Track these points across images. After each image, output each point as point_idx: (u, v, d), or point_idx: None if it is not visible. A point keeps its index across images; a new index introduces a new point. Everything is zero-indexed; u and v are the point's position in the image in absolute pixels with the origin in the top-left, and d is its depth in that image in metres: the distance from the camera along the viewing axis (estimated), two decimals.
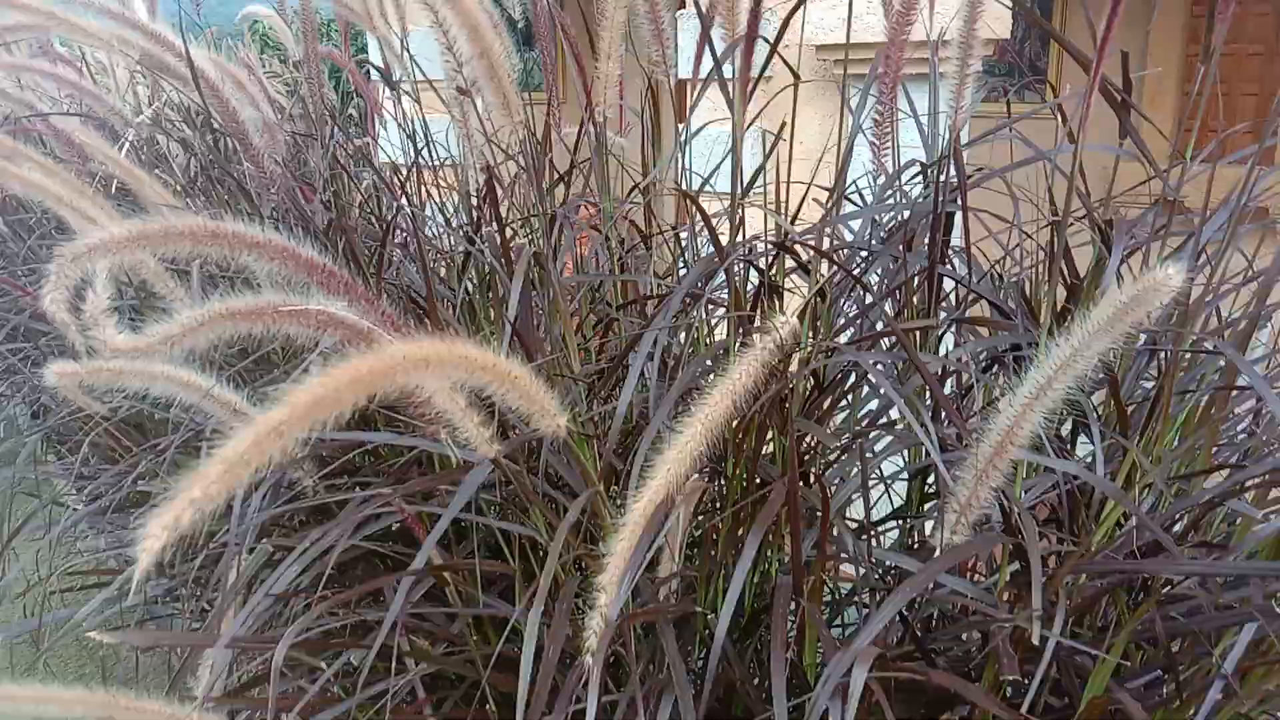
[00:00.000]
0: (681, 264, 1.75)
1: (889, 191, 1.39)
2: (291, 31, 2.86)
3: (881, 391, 1.27)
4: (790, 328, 1.00)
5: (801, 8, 1.11)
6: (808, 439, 1.31)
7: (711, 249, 1.63)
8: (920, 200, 1.33)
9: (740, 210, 1.31)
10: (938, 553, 0.97)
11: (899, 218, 1.36)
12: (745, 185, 1.17)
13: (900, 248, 1.27)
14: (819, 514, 1.17)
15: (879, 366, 1.30)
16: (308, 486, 1.31)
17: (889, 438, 1.30)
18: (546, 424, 0.87)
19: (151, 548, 0.54)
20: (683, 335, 1.59)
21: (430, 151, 2.04)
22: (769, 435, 1.16)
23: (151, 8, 2.32)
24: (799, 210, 1.38)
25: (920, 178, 1.50)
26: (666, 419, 1.05)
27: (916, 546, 1.41)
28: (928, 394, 1.34)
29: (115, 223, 1.53)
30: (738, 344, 1.15)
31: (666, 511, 1.00)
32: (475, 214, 1.70)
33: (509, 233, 1.61)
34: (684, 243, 1.73)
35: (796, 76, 1.23)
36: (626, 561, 0.90)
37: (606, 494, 1.26)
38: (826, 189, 1.66)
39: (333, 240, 1.67)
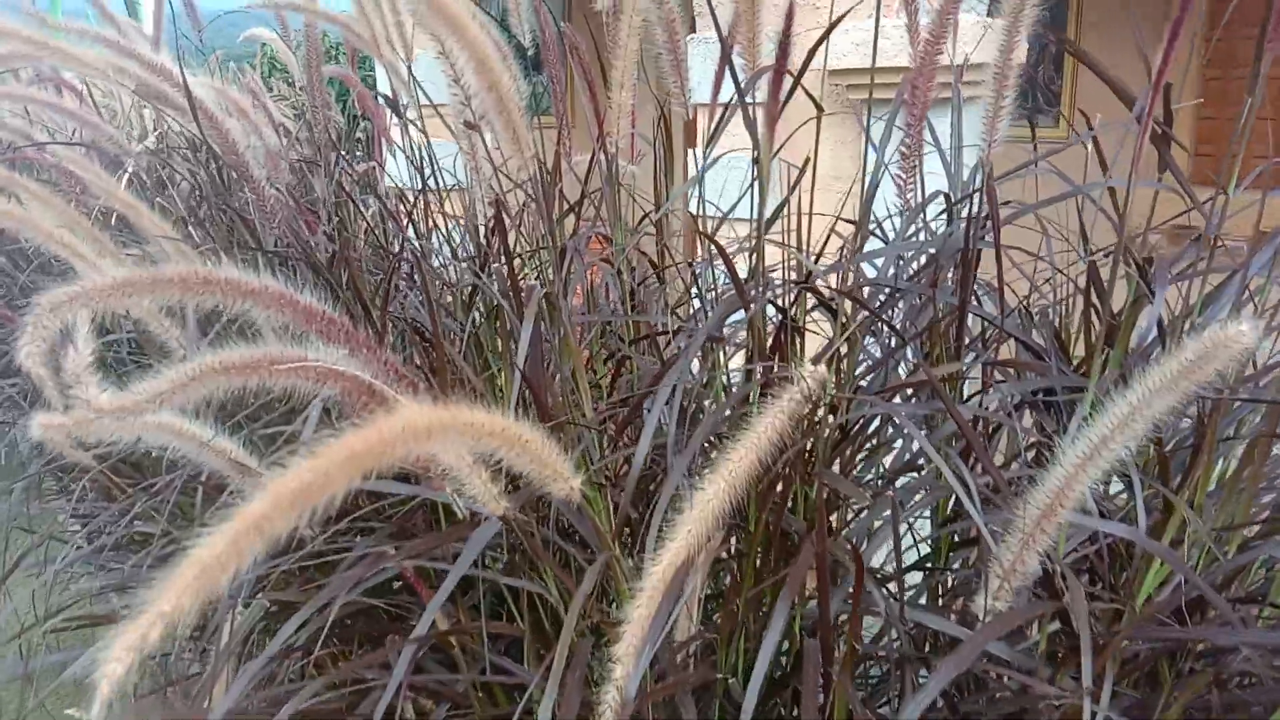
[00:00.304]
0: (694, 296, 1.69)
1: (915, 228, 1.33)
2: (295, 56, 2.82)
3: (913, 442, 1.21)
4: (818, 377, 0.94)
5: (817, 33, 1.05)
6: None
7: (725, 279, 1.59)
8: (948, 236, 1.27)
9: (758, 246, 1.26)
10: (981, 618, 0.90)
11: (924, 253, 1.30)
12: (768, 219, 1.11)
13: (929, 286, 1.21)
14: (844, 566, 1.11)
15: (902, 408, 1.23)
16: (307, 535, 1.24)
17: (918, 488, 1.23)
18: (559, 487, 0.81)
19: (114, 674, 0.48)
20: (699, 373, 1.54)
21: (437, 178, 1.99)
22: (793, 485, 1.10)
23: (156, 35, 2.29)
24: (824, 248, 1.33)
25: (943, 209, 1.44)
26: (685, 471, 0.99)
27: (943, 597, 1.34)
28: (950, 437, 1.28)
29: (106, 261, 1.48)
30: (759, 390, 1.09)
31: (686, 574, 0.94)
32: (483, 247, 1.65)
33: (517, 264, 1.56)
34: (697, 273, 1.67)
35: (820, 108, 1.17)
36: (645, 631, 0.83)
37: (620, 542, 1.20)
38: (845, 220, 1.61)
39: (336, 273, 1.62)
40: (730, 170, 1.74)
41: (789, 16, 0.90)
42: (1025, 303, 1.44)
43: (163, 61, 1.32)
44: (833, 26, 1.08)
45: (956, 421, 0.99)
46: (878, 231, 1.56)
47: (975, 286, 1.40)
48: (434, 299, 1.36)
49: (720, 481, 0.90)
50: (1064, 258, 1.45)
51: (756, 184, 1.05)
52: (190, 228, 1.85)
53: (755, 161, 1.29)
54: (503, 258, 1.39)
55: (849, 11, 1.32)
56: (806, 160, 1.15)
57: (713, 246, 1.45)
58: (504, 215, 1.37)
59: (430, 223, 2.03)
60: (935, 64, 1.15)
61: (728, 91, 1.40)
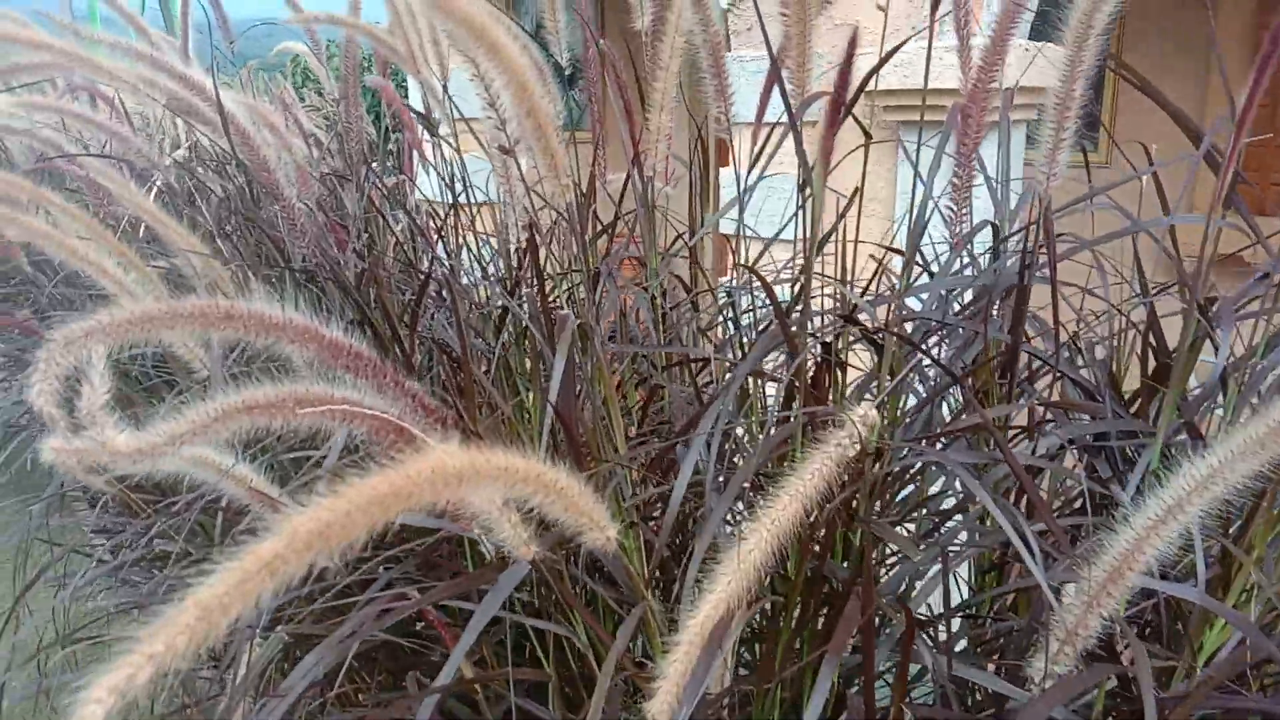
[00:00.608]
0: (727, 319, 1.65)
1: (964, 261, 1.28)
2: (326, 69, 2.81)
3: (955, 480, 1.16)
4: (869, 422, 0.89)
5: (854, 55, 1.00)
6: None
7: (758, 302, 1.54)
8: (999, 270, 1.21)
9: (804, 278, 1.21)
10: (1039, 682, 0.85)
11: (973, 287, 1.24)
12: (818, 245, 1.06)
13: (980, 322, 1.15)
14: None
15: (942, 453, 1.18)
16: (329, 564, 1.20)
17: (961, 531, 1.18)
18: (594, 536, 0.76)
19: (92, 716, 0.44)
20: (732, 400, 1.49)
21: (469, 194, 1.96)
22: (836, 531, 1.05)
23: (184, 46, 2.27)
24: (872, 282, 1.27)
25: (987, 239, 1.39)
26: (723, 516, 0.95)
27: (984, 643, 1.28)
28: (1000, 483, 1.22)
29: (131, 275, 1.46)
30: (801, 428, 1.04)
31: (726, 629, 0.89)
32: (514, 270, 1.61)
33: (547, 285, 1.52)
34: (729, 295, 1.63)
35: (868, 135, 1.13)
36: (680, 688, 0.79)
37: (653, 586, 1.15)
38: (883, 246, 1.56)
39: (365, 292, 1.59)
40: (765, 192, 1.70)
41: (852, 43, 0.85)
42: (1074, 338, 1.38)
43: (195, 76, 1.29)
44: (889, 56, 1.03)
45: (1017, 474, 0.94)
46: (918, 259, 1.51)
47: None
48: (463, 321, 1.32)
49: (763, 531, 0.86)
50: (1108, 289, 1.39)
51: (802, 211, 1.00)
52: (218, 241, 1.83)
53: (802, 188, 1.25)
54: (534, 282, 1.35)
55: (906, 41, 1.27)
56: (855, 190, 1.10)
57: (748, 270, 1.41)
58: (536, 238, 1.33)
59: (460, 239, 1.99)
60: (989, 91, 1.10)
61: (768, 112, 1.37)
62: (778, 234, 1.30)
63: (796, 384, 1.06)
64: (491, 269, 1.96)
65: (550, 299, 1.46)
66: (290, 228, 1.33)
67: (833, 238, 1.27)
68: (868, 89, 2.75)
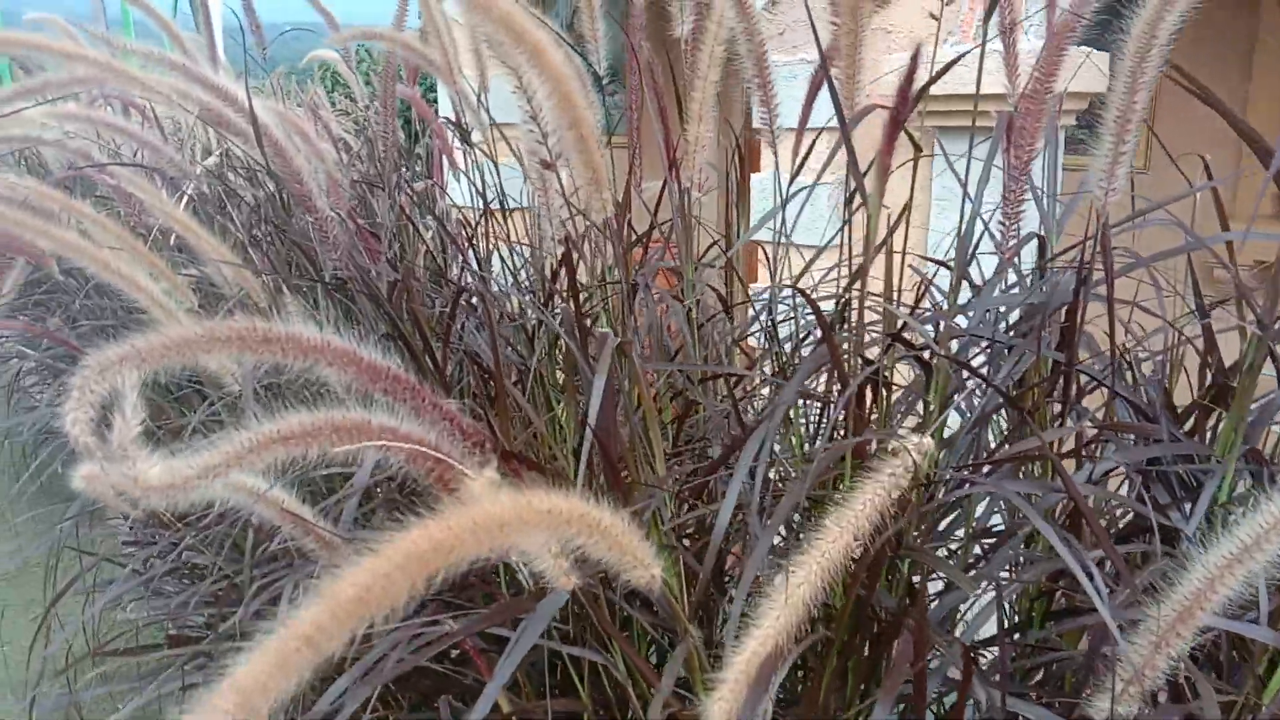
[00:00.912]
0: (764, 331, 1.62)
1: (1013, 277, 1.24)
2: (356, 75, 2.80)
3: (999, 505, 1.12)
4: (923, 450, 0.86)
5: (887, 59, 0.97)
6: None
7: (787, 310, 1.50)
8: (1051, 287, 1.17)
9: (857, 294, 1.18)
10: None
11: (1026, 304, 1.20)
12: (870, 260, 1.03)
13: (1034, 341, 1.11)
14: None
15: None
16: None
17: (1009, 559, 1.14)
18: (639, 575, 0.73)
19: None
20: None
21: (502, 201, 1.94)
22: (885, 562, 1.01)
23: (212, 53, 2.26)
24: (919, 299, 1.24)
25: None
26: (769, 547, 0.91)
27: (1030, 673, 1.24)
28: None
29: (161, 284, 1.44)
30: (850, 456, 1.01)
31: (774, 668, 0.85)
32: (548, 282, 1.59)
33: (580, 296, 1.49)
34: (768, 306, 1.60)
35: (918, 148, 1.09)
36: None
37: (695, 615, 1.12)
38: (925, 258, 1.52)
39: (397, 304, 1.56)
40: (799, 200, 1.67)
41: (915, 59, 0.82)
42: (1124, 355, 1.34)
43: (229, 88, 1.27)
44: (949, 67, 1.00)
45: (1079, 506, 0.90)
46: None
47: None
48: (497, 334, 1.29)
49: (812, 563, 0.83)
50: (1154, 303, 1.35)
51: (848, 223, 0.97)
52: (249, 250, 1.82)
53: (850, 200, 1.21)
54: (569, 297, 1.32)
55: (967, 53, 1.23)
56: (906, 207, 1.07)
57: (793, 288, 1.37)
58: (572, 253, 1.31)
59: (490, 246, 1.97)
60: (1045, 101, 1.06)
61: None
62: (826, 244, 1.26)
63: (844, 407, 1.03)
64: (524, 276, 1.93)
65: (584, 310, 1.43)
66: (323, 239, 1.31)
67: (888, 254, 1.23)
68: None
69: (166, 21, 1.93)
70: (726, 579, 1.21)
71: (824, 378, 1.34)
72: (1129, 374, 1.34)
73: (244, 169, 2.12)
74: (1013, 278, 1.38)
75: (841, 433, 1.18)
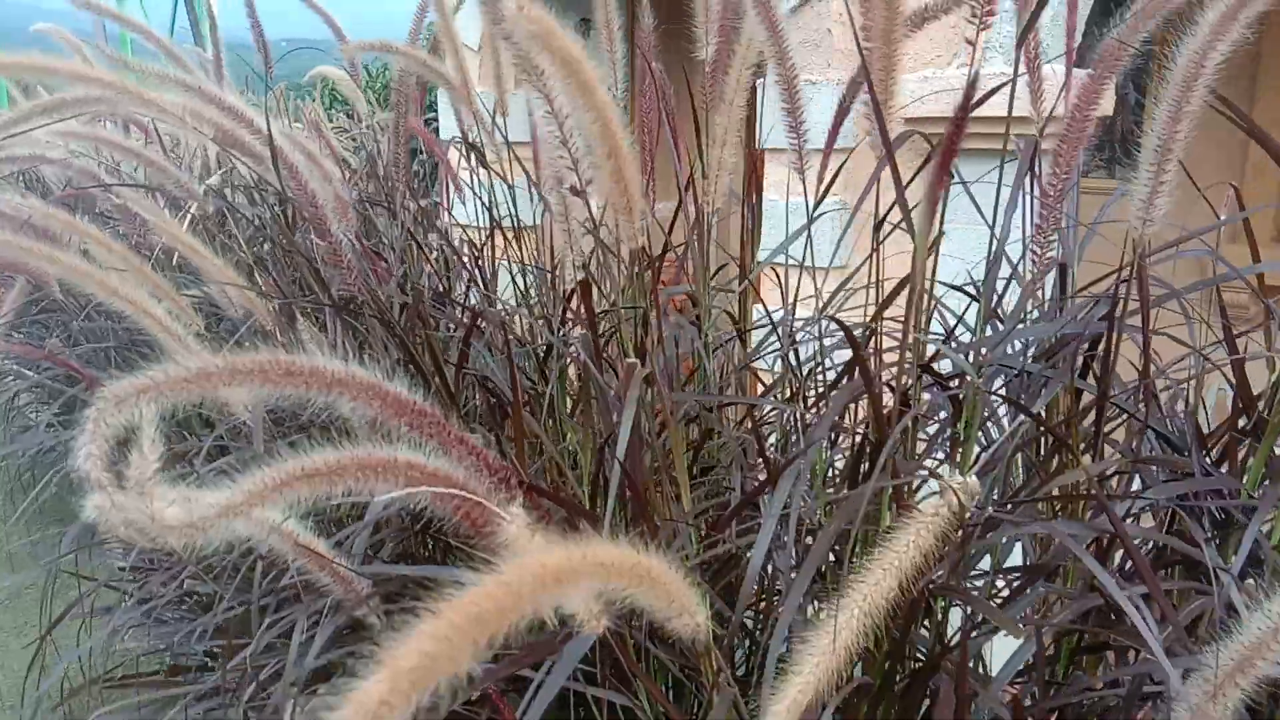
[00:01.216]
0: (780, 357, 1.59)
1: (1045, 308, 1.22)
2: (362, 93, 2.77)
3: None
4: (969, 490, 0.83)
5: (973, 97, 0.94)
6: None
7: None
8: (1074, 317, 1.15)
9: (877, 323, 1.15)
10: None
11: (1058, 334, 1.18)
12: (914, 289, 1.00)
13: (1067, 371, 1.09)
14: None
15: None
16: (374, 624, 1.15)
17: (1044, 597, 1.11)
18: (683, 623, 0.70)
19: None
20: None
21: (515, 220, 1.92)
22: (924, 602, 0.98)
23: (218, 70, 2.24)
24: (952, 331, 1.21)
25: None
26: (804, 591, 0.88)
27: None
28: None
29: (163, 304, 1.41)
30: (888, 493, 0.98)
31: (816, 718, 0.82)
32: (563, 308, 1.56)
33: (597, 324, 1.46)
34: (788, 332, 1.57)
35: (954, 174, 1.06)
36: None
37: (729, 653, 1.08)
38: (946, 284, 1.49)
39: (410, 328, 1.53)
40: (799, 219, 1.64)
41: (971, 85, 0.79)
42: (1149, 385, 1.31)
43: (244, 109, 1.25)
44: (994, 91, 0.97)
45: (1126, 546, 0.87)
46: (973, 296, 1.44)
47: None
48: (513, 363, 1.26)
49: (854, 608, 0.79)
50: (1176, 330, 1.32)
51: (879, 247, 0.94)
52: (255, 274, 1.78)
53: (879, 226, 1.19)
54: (586, 323, 1.29)
55: (1016, 78, 1.20)
56: (940, 234, 1.04)
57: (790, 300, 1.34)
58: (591, 283, 1.28)
59: (495, 264, 1.94)
60: (1086, 128, 1.04)
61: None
62: (855, 272, 1.23)
63: (871, 439, 1.00)
64: (535, 296, 1.90)
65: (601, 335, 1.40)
66: (336, 262, 1.27)
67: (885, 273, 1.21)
68: (913, 117, 2.68)
69: (163, 40, 1.90)
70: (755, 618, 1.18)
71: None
72: (1156, 404, 1.32)
73: (245, 189, 2.09)
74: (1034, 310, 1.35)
75: (866, 465, 1.15)
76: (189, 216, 1.97)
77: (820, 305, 1.19)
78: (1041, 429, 1.05)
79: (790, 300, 1.57)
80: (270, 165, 1.30)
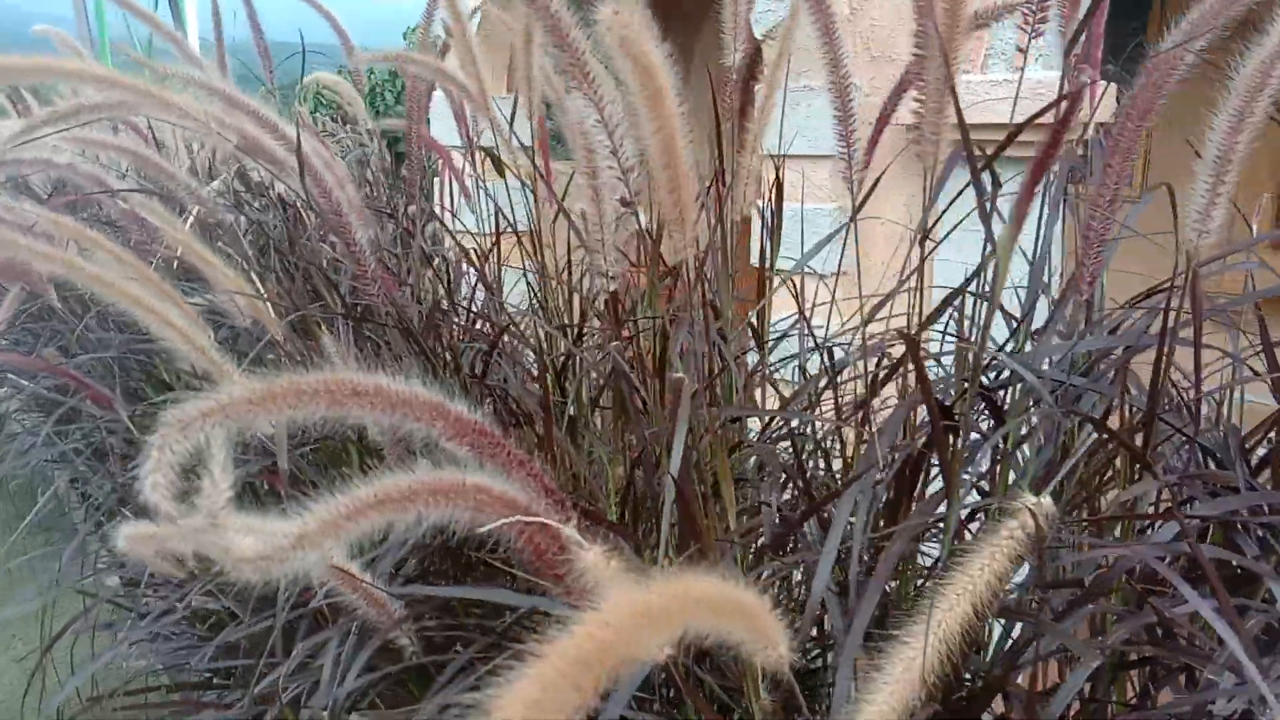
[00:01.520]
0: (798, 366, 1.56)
1: (1083, 318, 1.20)
2: (364, 100, 2.73)
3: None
4: (1045, 511, 0.81)
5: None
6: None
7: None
8: (1127, 331, 1.13)
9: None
10: None
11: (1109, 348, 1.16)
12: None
13: (1117, 386, 1.07)
14: None
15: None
16: (406, 647, 1.11)
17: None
18: (768, 655, 0.67)
19: None
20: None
21: (530, 222, 1.89)
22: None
23: (223, 74, 2.20)
24: (1002, 344, 1.18)
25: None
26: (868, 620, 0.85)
27: None
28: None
29: (171, 309, 1.37)
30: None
31: None
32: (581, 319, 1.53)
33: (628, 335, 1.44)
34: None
35: (997, 183, 1.05)
36: None
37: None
38: (969, 292, 1.47)
39: (430, 339, 1.50)
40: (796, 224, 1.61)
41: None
42: (1182, 397, 1.29)
43: (271, 116, 1.21)
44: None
45: (1201, 562, 0.85)
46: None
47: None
48: (535, 377, 1.23)
49: (929, 634, 0.77)
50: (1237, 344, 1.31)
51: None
52: (265, 282, 1.74)
53: (922, 240, 1.16)
54: (617, 338, 1.27)
55: (1085, 87, 1.19)
56: (992, 255, 1.02)
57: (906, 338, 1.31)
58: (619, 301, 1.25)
59: (499, 272, 1.91)
60: (1139, 135, 1.02)
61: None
62: (899, 288, 1.21)
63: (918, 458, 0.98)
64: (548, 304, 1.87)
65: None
66: (361, 273, 1.24)
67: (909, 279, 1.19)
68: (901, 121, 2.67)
69: (178, 37, 1.86)
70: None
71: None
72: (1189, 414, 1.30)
73: (248, 194, 2.05)
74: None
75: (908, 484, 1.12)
76: (192, 222, 1.92)
77: (866, 315, 1.16)
78: (1110, 442, 1.02)
79: (808, 308, 1.55)
80: (287, 171, 1.27)
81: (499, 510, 0.71)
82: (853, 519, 0.89)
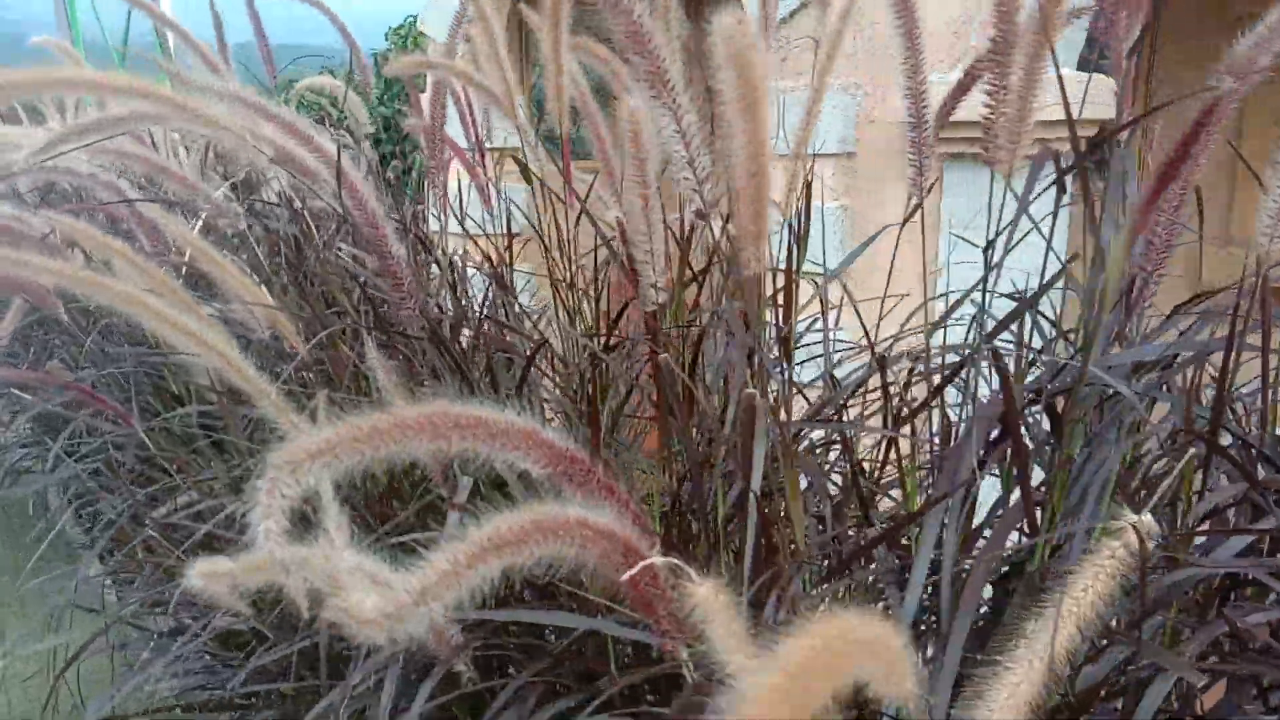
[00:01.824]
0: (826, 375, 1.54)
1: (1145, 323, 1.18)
2: (365, 104, 2.69)
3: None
4: (1148, 530, 0.79)
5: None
6: None
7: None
8: (1192, 339, 1.11)
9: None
10: None
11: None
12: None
13: (1185, 394, 1.05)
14: None
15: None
16: (463, 673, 1.08)
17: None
18: (895, 689, 0.64)
19: None
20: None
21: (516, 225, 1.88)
22: None
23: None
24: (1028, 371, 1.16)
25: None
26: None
27: None
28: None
29: (190, 318, 1.33)
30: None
31: None
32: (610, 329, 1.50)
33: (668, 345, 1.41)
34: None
35: (1062, 188, 1.03)
36: None
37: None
38: (1011, 295, 1.45)
39: (454, 347, 1.46)
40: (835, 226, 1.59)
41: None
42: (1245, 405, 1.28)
43: (306, 128, 1.17)
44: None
45: None
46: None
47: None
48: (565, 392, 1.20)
49: (1033, 659, 0.75)
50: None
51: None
52: (277, 291, 1.70)
53: (991, 245, 1.14)
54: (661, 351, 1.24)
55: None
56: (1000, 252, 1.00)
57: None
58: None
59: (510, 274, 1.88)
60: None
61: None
62: (968, 292, 1.18)
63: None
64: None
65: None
66: (397, 286, 1.20)
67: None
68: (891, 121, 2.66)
69: (202, 46, 1.80)
70: None
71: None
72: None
73: (260, 200, 2.00)
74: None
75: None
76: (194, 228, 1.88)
77: (929, 330, 1.14)
78: (1226, 458, 1.00)
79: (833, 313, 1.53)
80: (319, 182, 1.23)
81: (599, 545, 0.68)
82: (938, 549, 0.87)
